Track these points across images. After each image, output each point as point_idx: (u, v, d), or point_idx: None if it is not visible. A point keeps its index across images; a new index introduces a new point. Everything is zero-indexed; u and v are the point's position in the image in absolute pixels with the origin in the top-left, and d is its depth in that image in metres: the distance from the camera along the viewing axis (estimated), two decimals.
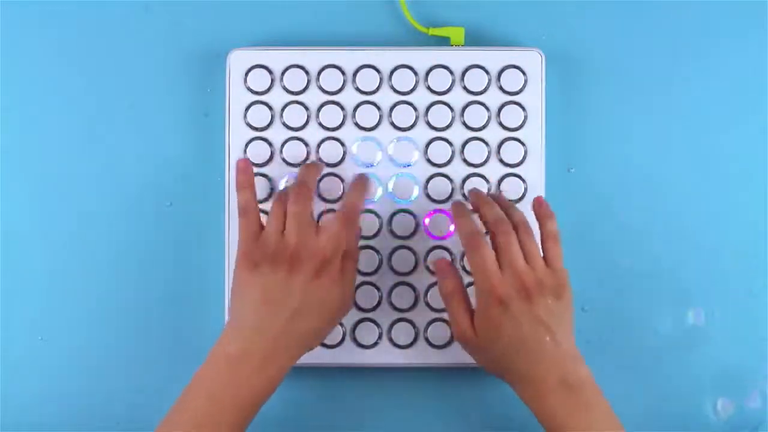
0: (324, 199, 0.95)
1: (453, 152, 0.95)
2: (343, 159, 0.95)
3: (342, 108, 0.95)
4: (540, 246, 0.88)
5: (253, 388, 0.84)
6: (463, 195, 0.95)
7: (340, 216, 0.87)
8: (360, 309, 0.95)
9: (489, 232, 0.88)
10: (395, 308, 0.95)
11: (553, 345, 0.85)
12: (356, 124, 0.95)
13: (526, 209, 0.91)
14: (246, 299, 0.85)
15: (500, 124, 0.95)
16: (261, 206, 0.94)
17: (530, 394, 0.86)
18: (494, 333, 0.85)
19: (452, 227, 0.94)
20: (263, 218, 0.88)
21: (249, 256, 0.86)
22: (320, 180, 0.95)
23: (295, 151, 0.95)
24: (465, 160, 0.95)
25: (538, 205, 0.90)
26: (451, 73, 0.95)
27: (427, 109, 0.95)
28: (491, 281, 0.85)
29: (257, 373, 0.84)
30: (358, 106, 0.95)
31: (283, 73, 0.95)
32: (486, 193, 0.93)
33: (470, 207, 0.90)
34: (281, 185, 0.94)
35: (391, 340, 0.95)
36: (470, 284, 0.90)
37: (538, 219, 0.89)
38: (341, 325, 0.94)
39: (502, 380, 0.88)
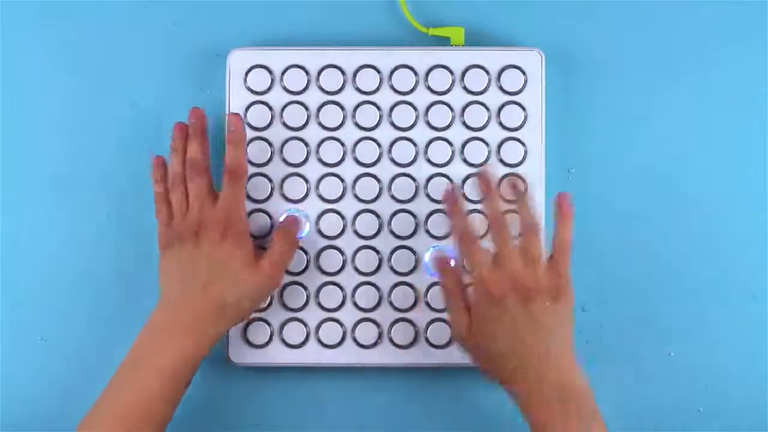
0: (324, 199, 0.95)
1: (453, 152, 0.95)
2: (343, 159, 0.95)
3: (342, 108, 0.95)
4: (543, 247, 0.87)
5: (174, 355, 0.86)
6: (463, 194, 0.95)
7: (226, 180, 0.90)
8: (360, 309, 0.95)
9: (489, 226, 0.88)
10: (395, 308, 0.95)
11: (550, 347, 0.84)
12: (356, 124, 0.95)
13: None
14: (166, 277, 0.89)
15: (500, 124, 0.95)
16: (261, 206, 0.95)
17: (523, 397, 0.85)
18: (489, 331, 0.85)
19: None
20: None
21: (163, 237, 0.90)
22: (320, 180, 0.95)
23: (295, 151, 0.95)
24: (465, 160, 0.95)
25: (559, 204, 0.88)
26: (451, 73, 0.95)
27: (427, 109, 0.95)
28: (485, 278, 0.85)
29: (176, 340, 0.86)
30: (358, 106, 0.95)
31: (283, 73, 0.95)
32: (495, 181, 0.91)
33: (464, 203, 0.91)
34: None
35: (391, 340, 0.95)
36: (469, 285, 0.90)
37: (556, 217, 0.88)
38: (341, 325, 0.94)
39: (496, 383, 0.87)
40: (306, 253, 0.95)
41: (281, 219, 0.93)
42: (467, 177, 0.95)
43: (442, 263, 0.90)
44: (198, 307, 0.87)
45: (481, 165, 0.95)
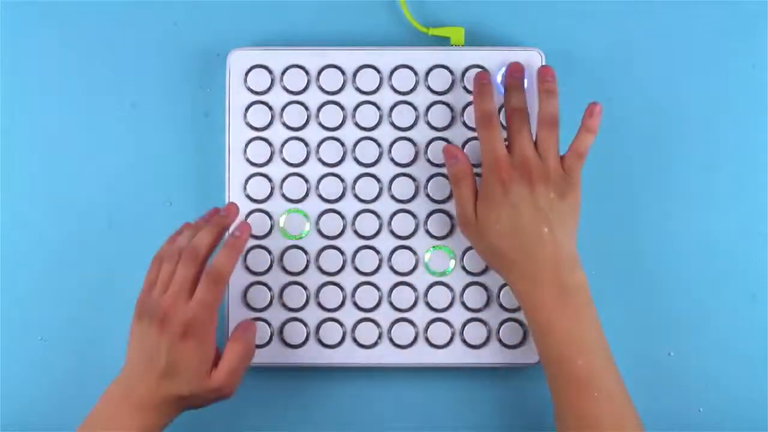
0: (324, 199, 0.95)
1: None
2: (343, 159, 0.95)
3: (342, 108, 0.95)
4: (557, 144, 0.89)
5: (130, 425, 0.85)
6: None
7: (205, 280, 0.86)
8: (360, 309, 0.95)
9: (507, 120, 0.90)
10: (395, 308, 0.95)
11: (551, 240, 0.86)
12: (356, 124, 0.95)
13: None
14: (132, 349, 0.87)
15: (500, 124, 0.95)
16: (261, 206, 0.95)
17: (523, 287, 0.87)
18: (494, 214, 0.87)
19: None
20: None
21: (139, 305, 0.87)
22: (319, 180, 0.95)
23: (295, 151, 0.95)
24: (465, 123, 0.95)
25: (588, 113, 0.90)
26: (451, 73, 0.95)
27: (427, 109, 0.95)
28: (496, 160, 0.88)
29: (126, 419, 0.85)
30: (358, 106, 0.95)
31: (283, 73, 0.95)
32: (523, 77, 0.93)
33: (494, 91, 0.92)
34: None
35: (391, 340, 0.95)
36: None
37: (581, 125, 0.90)
38: (341, 325, 0.94)
39: (498, 272, 0.90)
40: (306, 253, 0.95)
41: (237, 325, 0.89)
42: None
43: (452, 151, 0.91)
44: (151, 393, 0.85)
45: (481, 165, 0.95)
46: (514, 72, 0.92)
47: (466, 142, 0.95)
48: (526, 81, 0.93)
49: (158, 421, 0.86)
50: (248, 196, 0.95)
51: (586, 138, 0.89)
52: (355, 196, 0.95)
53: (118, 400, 0.86)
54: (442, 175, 0.95)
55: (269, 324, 0.95)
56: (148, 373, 0.85)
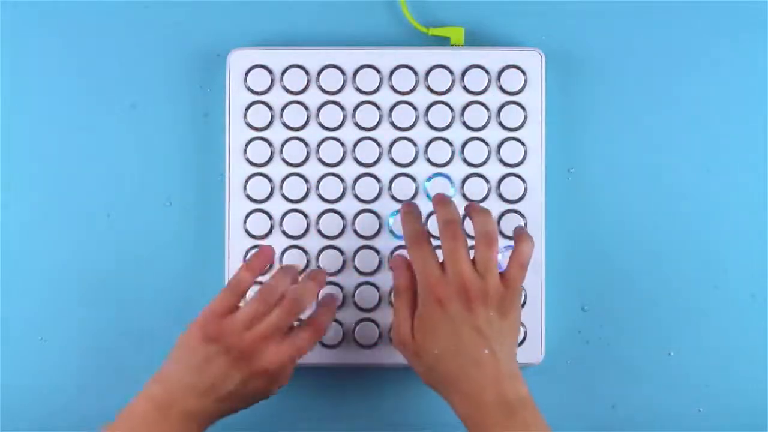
0: (324, 199, 0.95)
1: (453, 152, 0.95)
2: (343, 159, 0.95)
3: (342, 108, 0.95)
4: (496, 259, 0.85)
5: None
6: (463, 195, 0.95)
7: (309, 329, 0.86)
8: (360, 309, 0.95)
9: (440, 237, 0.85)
10: None
11: (492, 359, 0.82)
12: (356, 124, 0.95)
13: (526, 208, 0.91)
14: (186, 363, 0.84)
15: (500, 124, 0.95)
16: (261, 206, 0.95)
17: (466, 409, 0.83)
18: (431, 336, 0.83)
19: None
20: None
21: (208, 327, 0.85)
22: (319, 180, 0.95)
23: (295, 151, 0.95)
24: (465, 160, 0.95)
25: (518, 230, 0.87)
26: (451, 73, 0.95)
27: (427, 109, 0.95)
28: (430, 280, 0.83)
29: (177, 425, 0.83)
30: (358, 106, 0.95)
31: (283, 73, 0.95)
32: (451, 200, 0.88)
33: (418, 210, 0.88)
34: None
35: (391, 340, 0.94)
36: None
37: (514, 238, 0.86)
38: (341, 324, 0.94)
39: (438, 393, 0.85)
40: (306, 252, 0.95)
41: (303, 326, 0.88)
42: (467, 177, 0.95)
43: (400, 262, 0.88)
44: (203, 409, 0.84)
45: (481, 165, 0.95)
46: (438, 196, 0.88)
47: (465, 143, 0.95)
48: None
49: (199, 430, 0.85)
50: (248, 196, 0.95)
51: (527, 246, 0.85)
52: (355, 196, 0.95)
53: (158, 410, 0.83)
54: (443, 175, 0.95)
55: None
56: (204, 394, 0.84)
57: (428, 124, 0.95)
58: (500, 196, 0.95)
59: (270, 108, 0.95)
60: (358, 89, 0.95)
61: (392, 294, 0.88)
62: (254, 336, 0.84)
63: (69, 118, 0.97)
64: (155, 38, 0.97)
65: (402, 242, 0.91)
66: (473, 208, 0.87)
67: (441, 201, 0.87)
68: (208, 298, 0.89)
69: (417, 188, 0.95)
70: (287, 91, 0.95)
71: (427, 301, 0.84)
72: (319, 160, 0.95)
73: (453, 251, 0.84)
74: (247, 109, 0.95)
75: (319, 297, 0.92)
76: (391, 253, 0.95)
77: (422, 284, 0.84)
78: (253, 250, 0.94)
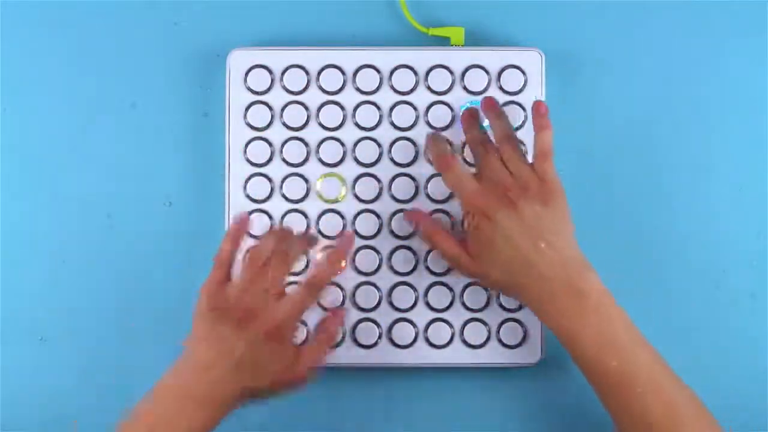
0: (324, 199, 0.95)
1: (453, 152, 0.95)
2: (343, 159, 0.95)
3: (342, 108, 0.95)
4: (522, 155, 0.88)
5: (190, 424, 0.83)
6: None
7: (305, 284, 0.86)
8: (360, 309, 0.95)
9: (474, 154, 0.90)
10: (395, 308, 0.95)
11: (551, 251, 0.84)
12: (356, 124, 0.95)
13: None
14: (197, 342, 0.85)
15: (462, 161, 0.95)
16: (261, 206, 0.95)
17: (539, 305, 0.85)
18: (488, 250, 0.86)
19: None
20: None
21: (210, 301, 0.86)
22: (320, 180, 0.95)
23: (295, 151, 0.95)
24: (465, 160, 0.95)
25: (537, 112, 0.89)
26: (451, 73, 0.95)
27: (427, 109, 0.95)
28: (470, 195, 0.86)
29: (196, 409, 0.83)
30: (358, 106, 0.95)
31: (283, 73, 0.95)
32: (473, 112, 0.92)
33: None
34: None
35: (391, 340, 0.95)
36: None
37: (534, 128, 0.89)
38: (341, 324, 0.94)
39: (513, 298, 0.91)
40: (306, 253, 0.95)
41: (324, 318, 0.90)
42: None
43: (416, 215, 0.91)
44: (224, 385, 0.83)
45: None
46: (468, 114, 0.92)
47: (465, 144, 0.95)
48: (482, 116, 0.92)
49: (221, 416, 0.84)
50: (248, 196, 0.95)
51: (545, 136, 0.88)
52: (355, 196, 0.95)
53: (178, 394, 0.83)
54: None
55: None
56: (219, 367, 0.83)
57: (428, 123, 0.95)
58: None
59: (270, 108, 0.95)
60: (358, 89, 0.95)
61: (427, 240, 0.91)
62: (252, 296, 0.85)
63: (69, 117, 0.97)
64: (155, 38, 0.97)
65: (403, 206, 0.94)
66: (492, 111, 0.90)
67: (467, 118, 0.91)
68: None
69: (417, 188, 0.95)
70: (287, 91, 0.95)
71: (476, 220, 0.86)
72: (319, 160, 0.95)
73: (485, 162, 0.88)
74: (247, 109, 0.95)
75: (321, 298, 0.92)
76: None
77: (464, 201, 0.88)
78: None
